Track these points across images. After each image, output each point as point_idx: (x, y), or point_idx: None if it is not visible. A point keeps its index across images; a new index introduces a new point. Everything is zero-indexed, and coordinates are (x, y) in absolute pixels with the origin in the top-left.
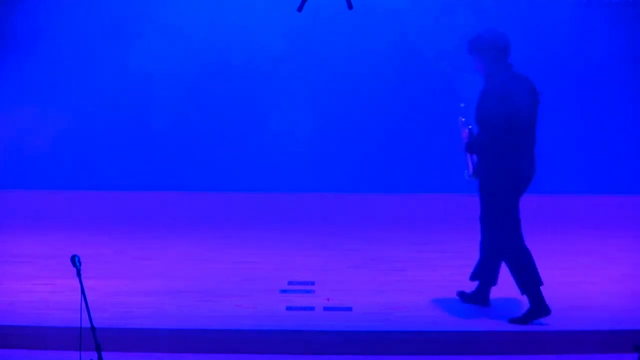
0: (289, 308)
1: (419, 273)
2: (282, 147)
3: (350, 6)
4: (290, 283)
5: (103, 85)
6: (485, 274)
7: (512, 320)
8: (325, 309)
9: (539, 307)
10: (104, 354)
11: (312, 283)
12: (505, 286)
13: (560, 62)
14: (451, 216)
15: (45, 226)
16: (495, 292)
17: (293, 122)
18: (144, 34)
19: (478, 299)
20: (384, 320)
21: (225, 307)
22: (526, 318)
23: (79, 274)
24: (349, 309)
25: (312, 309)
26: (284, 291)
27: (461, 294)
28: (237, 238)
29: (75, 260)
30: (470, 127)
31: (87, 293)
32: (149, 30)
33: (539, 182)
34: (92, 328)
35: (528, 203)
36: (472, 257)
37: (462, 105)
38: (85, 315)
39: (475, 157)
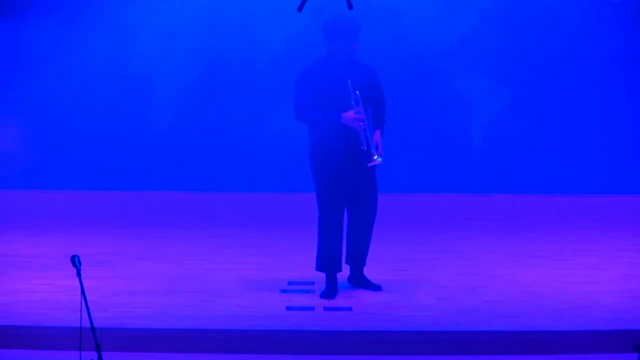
0: (289, 308)
1: (419, 273)
2: (282, 147)
3: (350, 6)
4: (290, 283)
5: (103, 85)
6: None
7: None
8: (325, 309)
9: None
10: (104, 354)
11: (312, 283)
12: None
13: (560, 62)
14: (451, 216)
15: (45, 226)
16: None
17: (293, 122)
18: (143, 34)
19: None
20: (384, 320)
21: (225, 307)
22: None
23: (79, 274)
24: (349, 309)
25: (312, 309)
26: (284, 291)
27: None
28: (237, 238)
29: (75, 260)
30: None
31: (87, 293)
32: (149, 31)
33: (539, 182)
34: (92, 328)
35: (528, 203)
36: (472, 257)
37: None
38: (85, 315)
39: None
